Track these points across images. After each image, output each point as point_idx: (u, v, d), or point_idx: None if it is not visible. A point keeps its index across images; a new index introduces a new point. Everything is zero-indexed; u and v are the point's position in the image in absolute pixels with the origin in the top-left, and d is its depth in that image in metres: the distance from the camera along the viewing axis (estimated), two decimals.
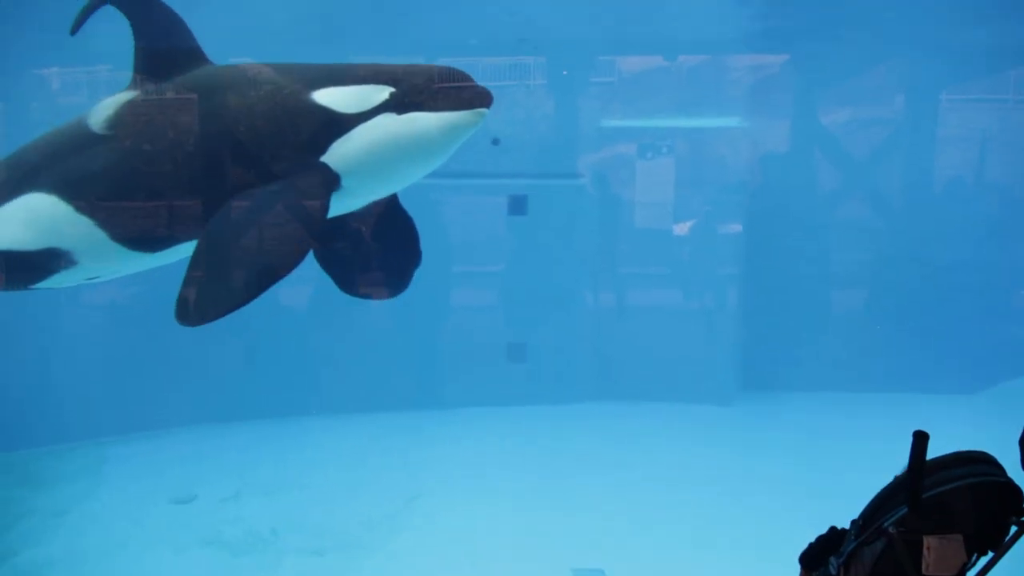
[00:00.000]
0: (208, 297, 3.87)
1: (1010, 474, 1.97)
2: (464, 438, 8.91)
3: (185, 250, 4.30)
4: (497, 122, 9.82)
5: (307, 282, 9.96)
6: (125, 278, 9.04)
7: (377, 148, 4.04)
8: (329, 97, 4.05)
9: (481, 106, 4.06)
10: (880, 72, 11.32)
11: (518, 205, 9.86)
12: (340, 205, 4.19)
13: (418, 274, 10.18)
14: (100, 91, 9.96)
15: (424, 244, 10.55)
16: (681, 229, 10.34)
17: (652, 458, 8.34)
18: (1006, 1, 9.73)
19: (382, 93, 4.02)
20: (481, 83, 4.12)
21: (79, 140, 4.32)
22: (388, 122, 4.01)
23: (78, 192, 4.23)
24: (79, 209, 4.22)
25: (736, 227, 10.17)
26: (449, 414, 9.54)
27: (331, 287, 10.56)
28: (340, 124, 4.01)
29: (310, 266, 10.21)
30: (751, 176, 10.60)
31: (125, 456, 8.57)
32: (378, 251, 4.76)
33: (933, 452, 1.93)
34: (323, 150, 4.02)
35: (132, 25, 4.33)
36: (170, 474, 8.09)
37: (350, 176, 4.07)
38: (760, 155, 10.81)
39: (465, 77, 4.11)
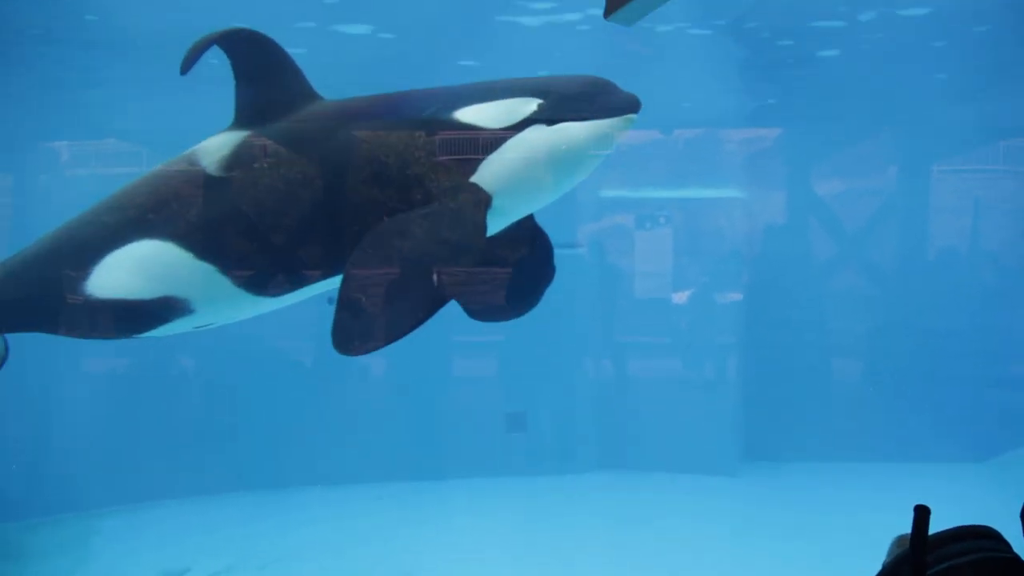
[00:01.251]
0: (369, 327, 3.74)
1: (1015, 547, 1.94)
2: (462, 512, 8.73)
3: (311, 291, 4.17)
4: None
5: (303, 352, 9.98)
6: (114, 350, 9.08)
7: (529, 162, 3.91)
8: (473, 115, 3.91)
9: (631, 111, 3.94)
10: (872, 145, 11.58)
11: None
12: (489, 226, 4.01)
13: (417, 342, 10.17)
14: (108, 162, 10.22)
15: None
16: (680, 298, 10.39)
17: (655, 535, 8.15)
18: (983, 83, 10.10)
19: (529, 105, 3.90)
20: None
21: (192, 183, 4.12)
22: (539, 134, 3.87)
23: (198, 238, 4.03)
24: (199, 256, 4.02)
25: (735, 296, 10.22)
26: (447, 485, 9.39)
27: (326, 356, 10.51)
28: (489, 141, 3.88)
29: (306, 334, 10.23)
30: (749, 246, 10.72)
31: (114, 529, 8.38)
32: (511, 271, 4.43)
33: (939, 522, 1.91)
34: (473, 170, 3.88)
35: (235, 65, 4.19)
36: (161, 547, 7.92)
37: (502, 194, 3.93)
38: (757, 225, 10.95)
39: (610, 85, 4.00)
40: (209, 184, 4.09)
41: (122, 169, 10.07)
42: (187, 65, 4.02)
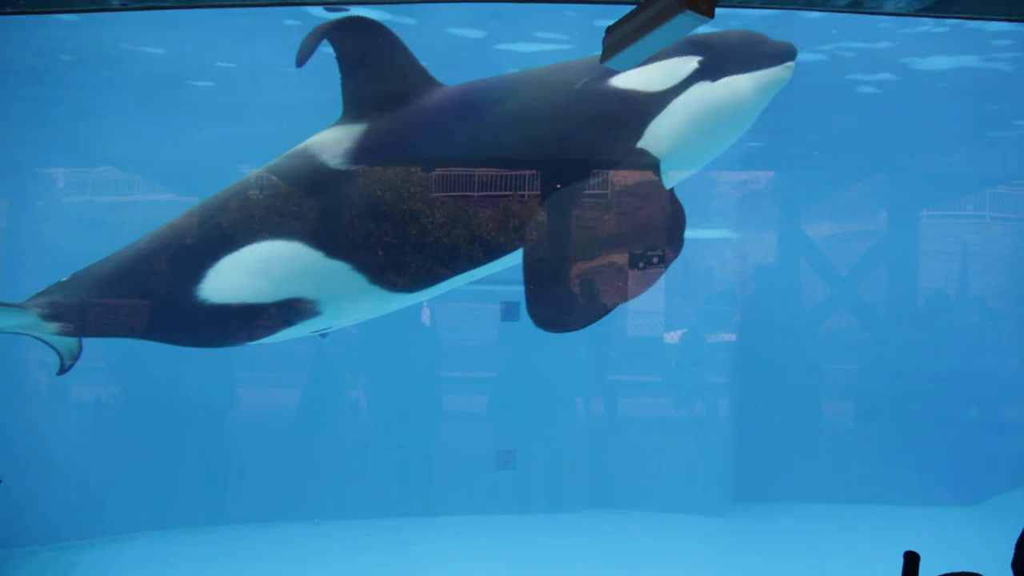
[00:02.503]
0: (567, 302, 3.56)
1: None
2: (450, 550, 8.61)
3: (451, 286, 3.95)
4: None
5: (294, 384, 9.92)
6: (92, 377, 8.99)
7: (697, 120, 3.76)
8: (632, 80, 3.73)
9: (789, 59, 3.84)
10: (863, 189, 11.73)
11: (511, 311, 9.94)
12: None
13: (409, 379, 10.13)
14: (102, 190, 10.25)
15: (415, 350, 10.59)
16: (672, 338, 10.41)
17: None
18: (964, 133, 10.34)
19: (689, 63, 3.77)
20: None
21: (316, 178, 3.85)
22: (704, 91, 3.75)
23: (328, 235, 3.78)
24: (331, 253, 3.79)
25: (727, 336, 10.25)
26: (436, 522, 9.28)
27: (315, 390, 10.45)
28: (653, 104, 3.72)
29: (295, 368, 10.17)
30: (741, 286, 10.78)
31: (92, 562, 8.19)
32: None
33: (928, 566, 1.92)
34: (639, 134, 3.74)
35: (343, 56, 3.96)
36: None
37: (670, 156, 3.79)
38: (749, 266, 11.03)
39: (762, 35, 3.90)
40: (336, 178, 3.82)
41: (116, 197, 10.12)
42: (302, 58, 3.84)
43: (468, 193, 3.77)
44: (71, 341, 4.83)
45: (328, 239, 3.81)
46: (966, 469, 10.25)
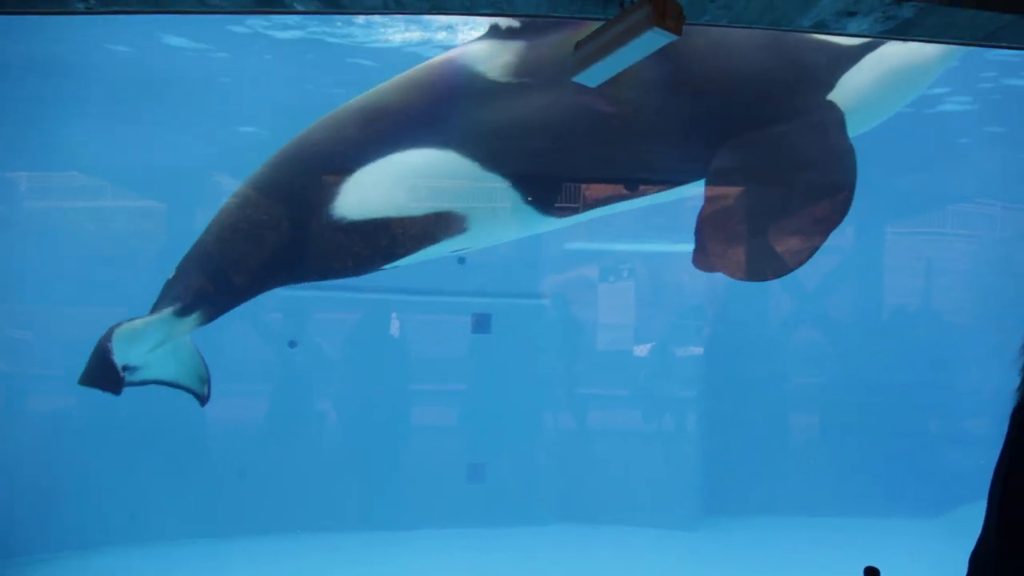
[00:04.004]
0: (728, 246, 3.40)
1: None
2: (419, 564, 8.55)
3: (605, 212, 3.73)
4: None
5: (262, 396, 9.81)
6: (59, 392, 8.84)
7: (886, 78, 3.66)
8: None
9: None
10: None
11: (482, 323, 9.93)
12: None
13: (378, 391, 10.04)
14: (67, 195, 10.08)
15: (386, 361, 10.50)
16: (642, 351, 10.46)
17: None
18: (925, 154, 10.57)
19: None
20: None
21: (475, 87, 3.58)
22: (896, 48, 3.59)
23: (487, 145, 3.55)
24: (489, 166, 3.56)
25: (696, 350, 10.32)
26: (404, 536, 9.20)
27: (283, 402, 10.34)
28: (847, 57, 3.59)
29: (264, 380, 10.03)
30: (710, 300, 10.87)
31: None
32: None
33: None
34: (831, 86, 3.62)
35: None
36: None
37: (855, 111, 3.66)
38: (718, 279, 11.12)
39: None
40: (496, 90, 3.60)
41: (83, 202, 9.97)
42: None
43: (642, 121, 3.61)
44: (193, 372, 4.62)
45: (487, 150, 3.59)
46: (929, 481, 10.41)
